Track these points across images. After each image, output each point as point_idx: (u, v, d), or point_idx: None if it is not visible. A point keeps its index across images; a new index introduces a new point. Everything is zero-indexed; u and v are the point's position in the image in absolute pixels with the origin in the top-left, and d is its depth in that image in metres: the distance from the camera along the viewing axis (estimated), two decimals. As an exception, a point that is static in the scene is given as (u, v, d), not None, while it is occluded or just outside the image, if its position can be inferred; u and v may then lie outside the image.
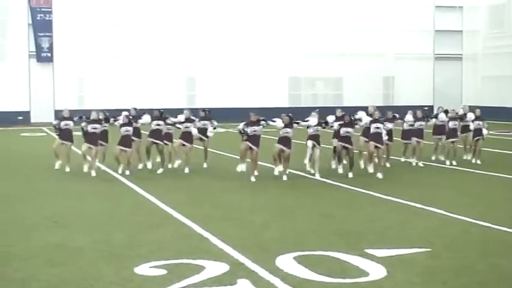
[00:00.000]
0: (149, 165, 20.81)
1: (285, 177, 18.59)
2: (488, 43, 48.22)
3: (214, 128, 21.57)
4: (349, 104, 41.28)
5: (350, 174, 18.95)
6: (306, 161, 19.81)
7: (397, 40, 49.84)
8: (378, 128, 19.37)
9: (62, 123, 20.76)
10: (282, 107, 43.69)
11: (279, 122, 18.74)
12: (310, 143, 19.08)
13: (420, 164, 21.31)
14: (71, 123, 20.83)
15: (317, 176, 18.85)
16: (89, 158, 20.02)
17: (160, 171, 20.16)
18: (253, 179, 18.40)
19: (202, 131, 21.05)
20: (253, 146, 18.52)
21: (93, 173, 19.55)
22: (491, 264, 9.80)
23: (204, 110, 21.88)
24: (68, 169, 20.37)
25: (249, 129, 18.51)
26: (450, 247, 10.77)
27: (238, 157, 19.34)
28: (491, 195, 16.43)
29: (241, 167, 18.94)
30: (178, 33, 46.39)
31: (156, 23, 46.28)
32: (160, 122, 20.55)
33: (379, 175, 19.00)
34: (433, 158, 22.32)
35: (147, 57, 46.22)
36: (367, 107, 21.36)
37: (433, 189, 17.21)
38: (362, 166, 20.38)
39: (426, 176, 19.52)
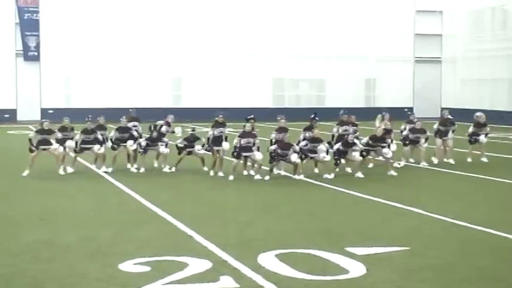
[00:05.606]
0: (135, 169, 20.54)
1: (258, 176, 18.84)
2: (468, 47, 48.52)
3: (203, 146, 20.21)
4: (332, 105, 41.45)
5: (326, 175, 19.07)
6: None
7: (379, 43, 50.11)
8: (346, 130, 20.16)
9: (40, 137, 19.80)
10: (266, 108, 43.92)
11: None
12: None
13: (396, 164, 21.52)
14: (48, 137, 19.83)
15: (280, 171, 19.24)
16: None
17: (133, 169, 20.32)
18: (216, 173, 19.18)
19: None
20: (218, 147, 19.31)
21: (62, 171, 19.69)
22: (470, 263, 9.99)
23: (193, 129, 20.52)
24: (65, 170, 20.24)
25: (216, 131, 19.43)
26: (429, 246, 10.94)
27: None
28: (470, 195, 16.64)
29: (232, 176, 18.73)
30: (165, 34, 46.39)
31: (143, 23, 46.21)
32: (136, 123, 20.62)
33: (359, 174, 19.25)
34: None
35: (133, 57, 46.18)
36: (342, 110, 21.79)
37: (413, 189, 17.44)
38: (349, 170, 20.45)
39: (407, 177, 19.67)
